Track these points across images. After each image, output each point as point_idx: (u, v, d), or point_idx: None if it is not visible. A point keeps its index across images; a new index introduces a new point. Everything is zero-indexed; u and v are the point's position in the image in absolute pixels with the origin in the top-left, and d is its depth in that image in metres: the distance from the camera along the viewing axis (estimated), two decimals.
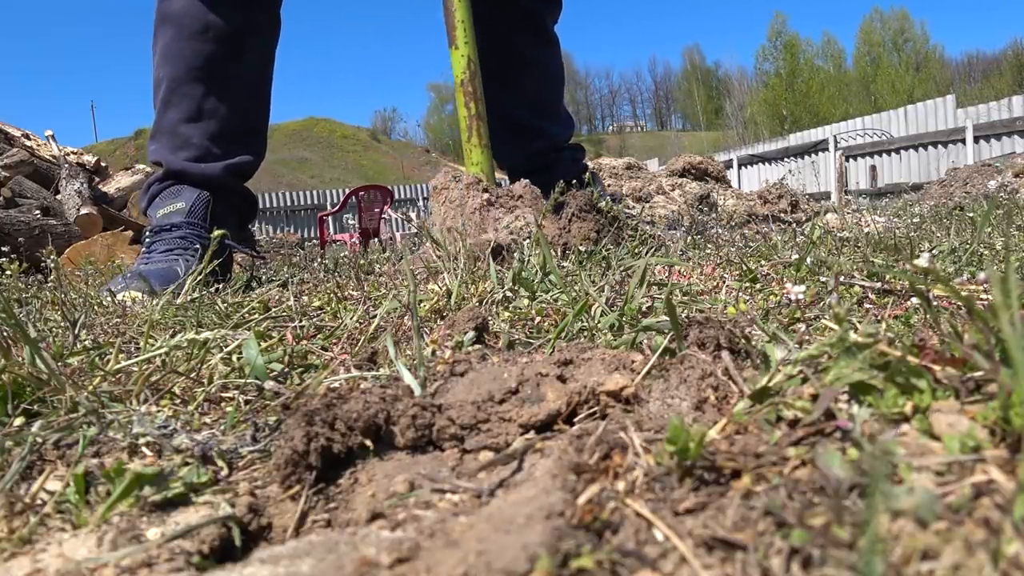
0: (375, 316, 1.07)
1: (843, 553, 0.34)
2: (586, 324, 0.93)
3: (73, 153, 5.65)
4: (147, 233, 2.07)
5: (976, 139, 11.17)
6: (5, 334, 0.80)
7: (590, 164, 5.21)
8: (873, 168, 12.97)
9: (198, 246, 1.97)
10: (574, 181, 2.04)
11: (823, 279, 1.22)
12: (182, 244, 1.97)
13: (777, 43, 51.36)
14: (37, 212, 4.16)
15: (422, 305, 1.16)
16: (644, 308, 1.00)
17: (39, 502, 0.53)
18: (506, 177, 2.73)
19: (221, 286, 1.70)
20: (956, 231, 1.92)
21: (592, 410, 0.59)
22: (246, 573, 0.43)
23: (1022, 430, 0.40)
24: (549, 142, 2.62)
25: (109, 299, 1.53)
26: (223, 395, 0.79)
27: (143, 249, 2.04)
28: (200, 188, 2.08)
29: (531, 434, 0.58)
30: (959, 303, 0.82)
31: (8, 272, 1.89)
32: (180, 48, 2.08)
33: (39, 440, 0.61)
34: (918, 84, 43.54)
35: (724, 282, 1.34)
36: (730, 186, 5.97)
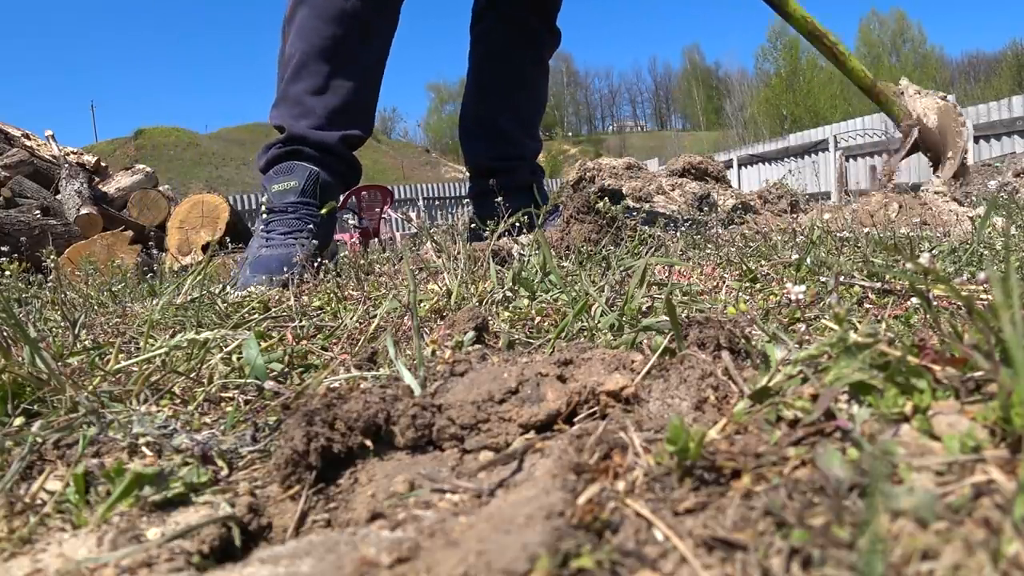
0: (375, 316, 1.07)
1: (843, 553, 0.34)
2: (586, 324, 0.93)
3: (73, 153, 5.64)
4: (264, 212, 2.29)
5: (976, 139, 11.16)
6: (5, 334, 0.80)
7: (590, 164, 5.19)
8: (873, 168, 12.96)
9: (312, 226, 2.22)
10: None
11: (823, 279, 1.22)
12: (298, 225, 2.21)
13: (777, 44, 51.36)
14: (37, 212, 4.16)
15: (422, 305, 1.16)
16: (644, 308, 1.00)
17: (39, 502, 0.53)
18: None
19: (322, 262, 2.00)
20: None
21: (592, 410, 0.59)
22: (246, 573, 0.43)
23: (1022, 430, 0.40)
24: (519, 151, 2.92)
25: (231, 297, 1.59)
26: (223, 395, 0.79)
27: (262, 228, 2.25)
28: (312, 160, 2.32)
29: (531, 434, 0.58)
30: (959, 303, 0.82)
31: (8, 272, 1.89)
32: (315, 27, 2.32)
33: (39, 440, 0.61)
34: (919, 84, 43.52)
35: (724, 282, 1.34)
36: (730, 186, 5.97)
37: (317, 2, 2.30)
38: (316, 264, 1.93)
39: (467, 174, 3.07)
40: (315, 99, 2.33)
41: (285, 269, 1.93)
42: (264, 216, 2.27)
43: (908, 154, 3.13)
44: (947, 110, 3.05)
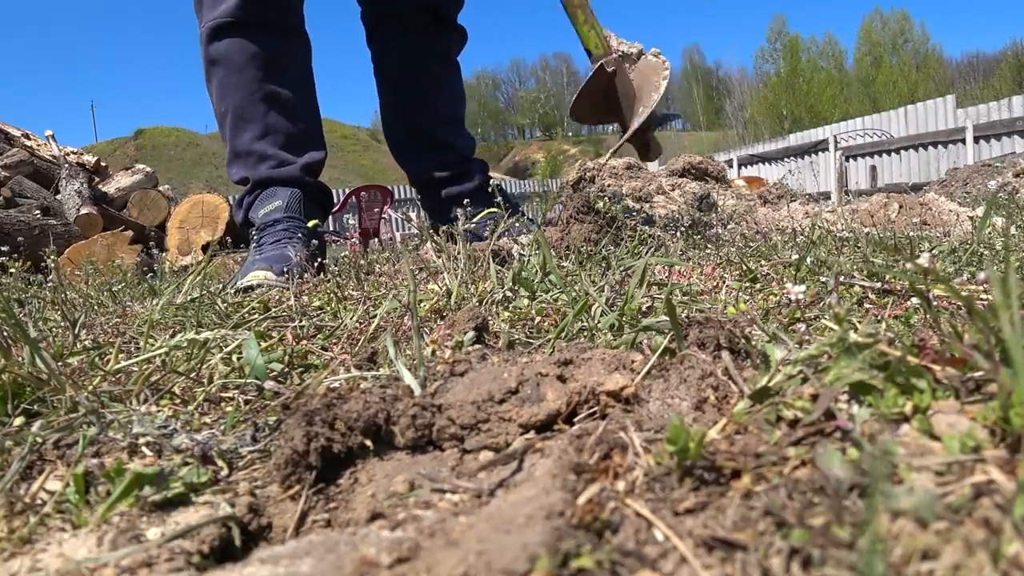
0: (375, 316, 1.07)
1: (843, 553, 0.34)
2: (586, 324, 0.93)
3: (73, 153, 5.64)
4: (253, 232, 2.34)
5: (976, 139, 11.16)
6: (5, 334, 0.80)
7: (590, 164, 5.19)
8: (873, 168, 12.96)
9: (300, 235, 2.27)
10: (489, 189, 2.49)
11: (823, 279, 1.22)
12: (287, 234, 2.25)
13: (776, 44, 51.33)
14: (37, 212, 4.16)
15: (422, 305, 1.16)
16: (644, 308, 1.00)
17: (39, 502, 0.53)
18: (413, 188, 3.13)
19: (322, 263, 2.06)
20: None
21: (592, 410, 0.59)
22: (246, 573, 0.43)
23: (1022, 430, 0.40)
24: (458, 153, 2.96)
25: (232, 293, 1.59)
26: (223, 395, 0.79)
27: (253, 245, 2.29)
28: (288, 187, 2.40)
29: (531, 434, 0.58)
30: (959, 303, 0.82)
31: (9, 272, 1.89)
32: (234, 81, 2.42)
33: (39, 440, 0.61)
34: (920, 84, 43.54)
35: (724, 282, 1.34)
36: (730, 186, 5.97)
37: (227, 58, 2.41)
38: (316, 264, 1.94)
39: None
40: (263, 144, 2.43)
41: (284, 268, 1.94)
42: (253, 237, 2.32)
43: (594, 95, 2.57)
44: (655, 65, 2.49)
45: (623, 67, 2.54)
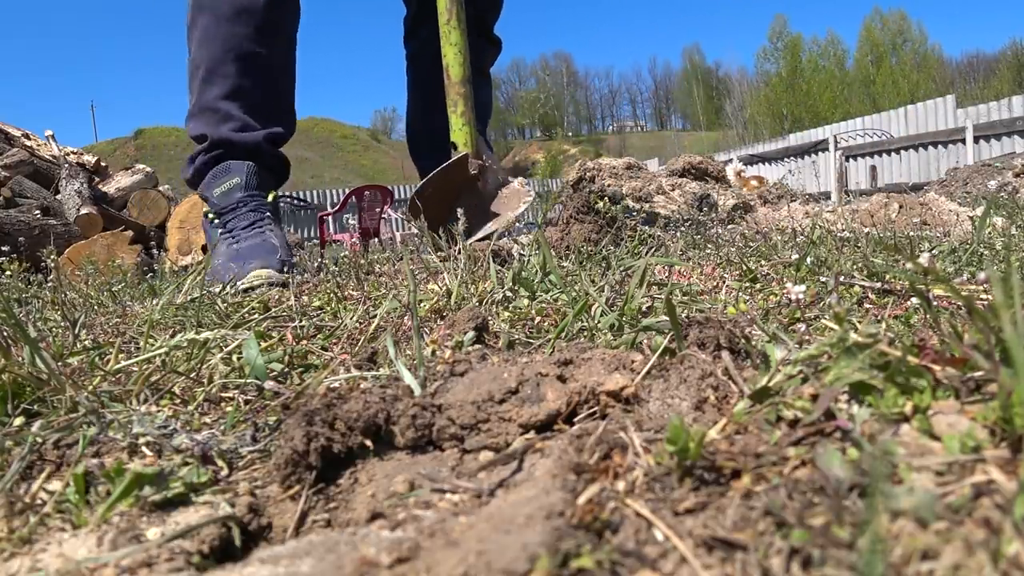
0: (375, 316, 1.07)
1: (843, 553, 0.34)
2: (586, 324, 0.93)
3: (73, 153, 5.64)
4: (212, 214, 2.24)
5: (976, 139, 11.15)
6: (5, 334, 0.80)
7: (590, 164, 5.19)
8: (873, 168, 12.96)
9: (268, 213, 2.19)
10: None
11: (823, 279, 1.22)
12: (255, 217, 2.17)
13: (778, 44, 51.32)
14: (37, 212, 4.16)
15: (422, 305, 1.16)
16: (644, 308, 1.00)
17: (39, 502, 0.53)
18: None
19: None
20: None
21: (592, 410, 0.59)
22: (246, 573, 0.43)
23: (1022, 430, 0.40)
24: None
25: (231, 293, 1.57)
26: (223, 395, 0.79)
27: (219, 230, 2.19)
28: (243, 158, 2.28)
29: (531, 434, 0.58)
30: (959, 303, 0.82)
31: (8, 272, 1.89)
32: (216, 32, 2.29)
33: (39, 440, 0.61)
34: (920, 84, 43.49)
35: (724, 282, 1.34)
36: (730, 186, 5.97)
37: (215, 6, 2.28)
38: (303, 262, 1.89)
39: None
40: (230, 103, 2.30)
41: (282, 260, 1.90)
42: (215, 220, 2.22)
43: (438, 187, 2.30)
44: (518, 191, 2.39)
45: (486, 172, 2.39)
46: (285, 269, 1.93)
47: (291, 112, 2.48)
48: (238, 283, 1.82)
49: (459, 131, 2.38)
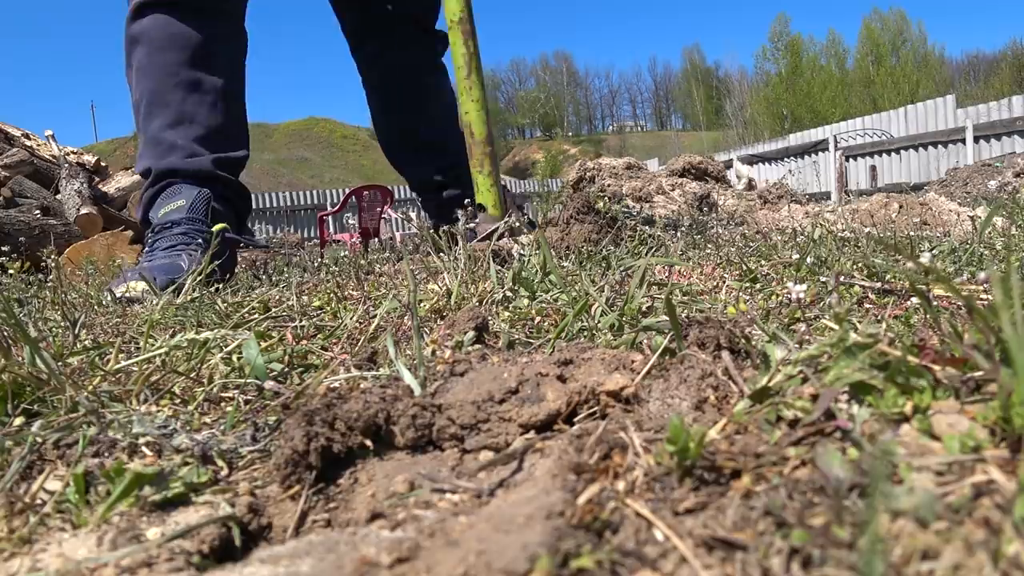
0: (375, 316, 1.07)
1: (843, 553, 0.34)
2: (586, 324, 0.93)
3: (73, 153, 5.64)
4: (148, 234, 2.10)
5: (976, 139, 11.15)
6: (5, 334, 0.80)
7: (590, 164, 5.19)
8: (873, 168, 12.96)
9: (200, 241, 1.99)
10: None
11: (823, 279, 1.22)
12: (184, 240, 1.99)
13: (778, 44, 51.30)
14: (37, 212, 4.16)
15: (422, 305, 1.16)
16: (644, 308, 1.00)
17: (39, 502, 0.53)
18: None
19: (223, 284, 1.73)
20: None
21: (592, 410, 0.59)
22: (246, 573, 0.43)
23: (1022, 430, 0.40)
24: (454, 157, 2.86)
25: (110, 299, 1.54)
26: (223, 395, 0.79)
27: (145, 249, 2.07)
28: (196, 185, 2.14)
29: (531, 434, 0.57)
30: (959, 303, 0.82)
31: (9, 272, 1.89)
32: (152, 62, 2.20)
33: (39, 440, 0.61)
34: (920, 84, 43.48)
35: (724, 282, 1.34)
36: (730, 186, 5.98)
37: (148, 36, 2.20)
38: (218, 276, 1.69)
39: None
40: (173, 132, 2.19)
41: (171, 279, 1.68)
42: (148, 239, 2.07)
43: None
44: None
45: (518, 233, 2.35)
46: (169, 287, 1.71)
47: (243, 136, 2.36)
48: (115, 289, 1.69)
49: (487, 192, 2.32)
